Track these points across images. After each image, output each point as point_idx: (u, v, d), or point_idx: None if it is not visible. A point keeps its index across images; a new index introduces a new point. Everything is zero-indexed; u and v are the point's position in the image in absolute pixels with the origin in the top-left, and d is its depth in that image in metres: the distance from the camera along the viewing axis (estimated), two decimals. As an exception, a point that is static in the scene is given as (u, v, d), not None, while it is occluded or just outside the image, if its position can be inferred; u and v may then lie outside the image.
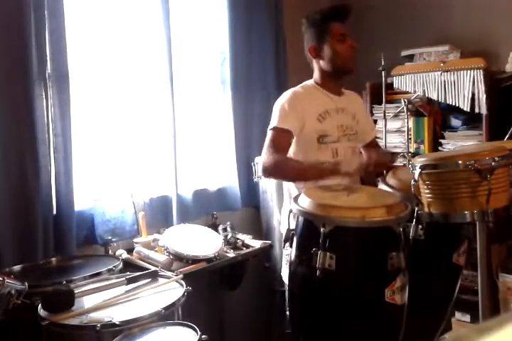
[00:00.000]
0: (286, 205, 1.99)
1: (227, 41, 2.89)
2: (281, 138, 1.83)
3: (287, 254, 1.82)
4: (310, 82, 2.02)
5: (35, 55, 2.10)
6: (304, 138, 1.87)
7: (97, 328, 1.45)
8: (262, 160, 1.82)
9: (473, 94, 2.70)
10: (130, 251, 2.32)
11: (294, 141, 1.88)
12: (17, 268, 1.96)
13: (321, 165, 1.79)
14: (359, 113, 2.04)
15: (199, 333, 1.45)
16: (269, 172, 1.78)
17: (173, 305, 1.60)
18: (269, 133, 1.86)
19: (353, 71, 1.97)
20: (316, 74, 2.01)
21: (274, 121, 1.87)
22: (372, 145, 2.14)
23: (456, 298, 1.78)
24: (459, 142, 2.82)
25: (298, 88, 1.99)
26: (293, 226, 1.45)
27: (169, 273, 2.01)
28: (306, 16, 2.01)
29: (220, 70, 2.92)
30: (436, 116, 3.00)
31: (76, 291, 1.67)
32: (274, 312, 2.68)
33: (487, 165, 1.37)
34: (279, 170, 1.78)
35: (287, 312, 1.59)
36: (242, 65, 2.94)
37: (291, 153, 1.91)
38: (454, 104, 2.77)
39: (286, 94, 1.94)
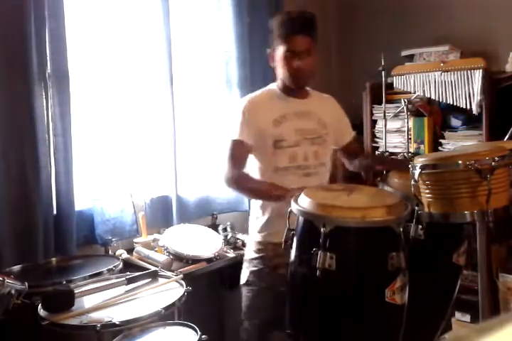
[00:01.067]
0: (254, 213, 1.93)
1: (233, 39, 2.89)
2: (237, 151, 1.82)
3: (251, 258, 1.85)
4: (274, 84, 1.95)
5: (35, 55, 2.10)
6: (260, 143, 1.83)
7: (97, 328, 1.45)
8: (223, 170, 1.82)
9: (473, 94, 2.70)
10: (130, 251, 2.32)
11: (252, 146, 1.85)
12: (17, 268, 1.97)
13: (271, 188, 1.74)
14: (328, 115, 1.95)
15: (199, 333, 1.45)
16: (228, 185, 1.82)
17: (173, 305, 1.60)
18: (228, 144, 1.84)
19: (303, 87, 1.92)
20: (277, 77, 1.92)
21: (231, 132, 1.85)
22: (352, 147, 2.08)
23: (456, 298, 1.78)
24: (459, 142, 2.82)
25: (256, 93, 1.95)
26: (292, 226, 1.45)
27: (169, 273, 2.01)
28: (275, 14, 1.96)
29: (226, 69, 2.91)
30: (436, 116, 3.00)
31: (76, 291, 1.68)
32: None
33: (487, 165, 1.37)
34: (237, 185, 1.83)
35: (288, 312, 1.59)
36: (247, 64, 2.94)
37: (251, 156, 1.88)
38: (454, 104, 2.77)
39: (242, 102, 1.89)
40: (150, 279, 1.87)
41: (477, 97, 2.69)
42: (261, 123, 1.82)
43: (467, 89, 2.72)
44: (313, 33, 1.82)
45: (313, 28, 1.82)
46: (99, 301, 1.67)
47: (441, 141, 2.93)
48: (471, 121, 2.85)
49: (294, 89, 1.89)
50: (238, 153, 1.83)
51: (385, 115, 2.99)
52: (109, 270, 1.94)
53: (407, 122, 2.94)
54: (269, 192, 1.73)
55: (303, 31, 1.78)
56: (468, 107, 2.72)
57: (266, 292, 1.79)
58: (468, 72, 2.71)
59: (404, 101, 2.94)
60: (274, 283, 1.73)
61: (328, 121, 1.92)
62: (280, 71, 1.85)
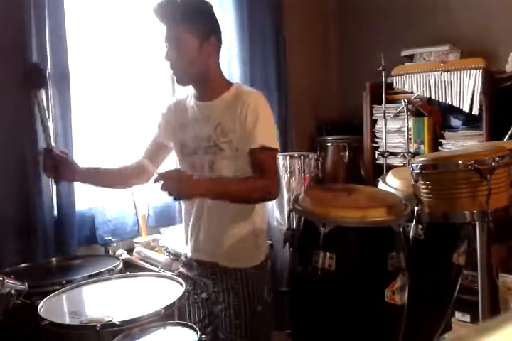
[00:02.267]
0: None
1: (235, 38, 2.90)
2: (147, 145, 1.77)
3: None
4: None
5: (35, 55, 2.10)
6: (174, 148, 1.74)
7: (97, 328, 1.45)
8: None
9: (473, 94, 2.70)
10: (130, 251, 2.32)
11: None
12: (17, 268, 1.96)
13: None
14: (232, 120, 1.57)
15: (199, 333, 1.44)
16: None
17: (173, 305, 1.60)
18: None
19: (180, 83, 1.65)
20: None
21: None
22: (254, 161, 1.58)
23: (456, 298, 1.78)
24: (459, 142, 2.82)
25: (178, 97, 1.79)
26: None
27: (169, 273, 2.01)
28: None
29: (228, 68, 2.91)
30: (436, 116, 3.00)
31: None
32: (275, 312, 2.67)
33: (487, 165, 1.37)
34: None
35: (287, 312, 1.59)
36: (249, 63, 2.95)
37: None
38: (454, 104, 2.77)
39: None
40: (150, 279, 1.87)
41: (477, 97, 2.69)
42: (171, 127, 1.71)
43: (467, 89, 2.72)
44: (185, 21, 1.53)
45: (183, 15, 1.52)
46: (99, 301, 1.67)
47: (441, 141, 2.93)
48: (471, 121, 2.85)
49: (196, 90, 1.66)
50: (147, 148, 1.77)
51: (385, 115, 2.99)
52: (109, 270, 1.94)
53: (407, 122, 2.94)
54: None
55: (165, 19, 1.54)
56: (468, 107, 2.71)
57: None
58: (468, 72, 2.71)
59: (404, 101, 2.94)
60: None
61: (231, 128, 1.57)
62: None
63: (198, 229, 1.67)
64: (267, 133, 1.57)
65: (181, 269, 1.75)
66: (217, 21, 1.62)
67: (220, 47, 1.63)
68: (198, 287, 1.68)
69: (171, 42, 1.55)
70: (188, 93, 1.72)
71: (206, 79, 1.61)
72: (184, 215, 1.74)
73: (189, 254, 1.73)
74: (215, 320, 1.66)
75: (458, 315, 2.52)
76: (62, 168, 1.57)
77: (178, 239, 2.32)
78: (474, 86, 2.69)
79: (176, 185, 1.39)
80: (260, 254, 1.66)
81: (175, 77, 1.62)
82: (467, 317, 2.50)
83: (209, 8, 1.60)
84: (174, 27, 1.53)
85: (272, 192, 1.56)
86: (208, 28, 1.57)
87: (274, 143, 1.59)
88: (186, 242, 1.73)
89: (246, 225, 1.62)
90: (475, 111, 2.69)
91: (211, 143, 1.60)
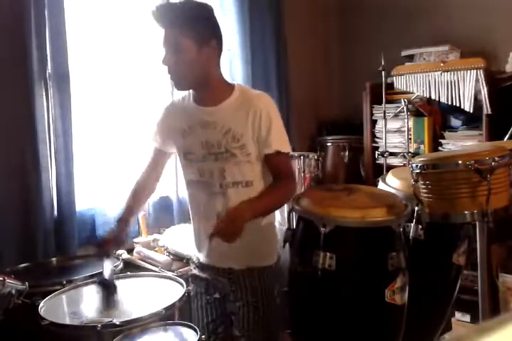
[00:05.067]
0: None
1: (236, 38, 2.90)
2: (152, 153, 1.77)
3: None
4: None
5: (35, 55, 2.10)
6: (177, 153, 1.73)
7: (97, 328, 1.45)
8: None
9: (473, 94, 2.70)
10: (130, 251, 2.32)
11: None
12: (18, 268, 1.97)
13: None
14: (243, 125, 1.55)
15: (199, 333, 1.45)
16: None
17: (173, 305, 1.60)
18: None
19: (179, 88, 1.61)
20: None
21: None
22: (269, 166, 1.60)
23: (456, 298, 1.78)
24: (459, 142, 2.82)
25: (173, 99, 1.76)
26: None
27: (169, 273, 2.01)
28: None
29: (230, 67, 2.92)
30: (436, 116, 3.01)
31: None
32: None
33: (487, 165, 1.37)
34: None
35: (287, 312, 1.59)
36: (250, 63, 2.95)
37: None
38: (454, 104, 2.77)
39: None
40: (150, 279, 1.87)
41: (477, 97, 2.69)
42: (171, 133, 1.67)
43: (467, 89, 2.72)
44: (184, 25, 1.50)
45: (182, 19, 1.50)
46: (99, 301, 1.67)
47: (441, 141, 2.93)
48: (471, 121, 2.85)
49: (197, 94, 1.62)
50: (152, 155, 1.78)
51: (385, 115, 2.99)
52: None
53: (407, 122, 2.94)
54: None
55: (163, 22, 1.51)
56: (468, 107, 2.72)
57: None
58: (468, 72, 2.71)
59: (404, 101, 2.94)
60: None
61: (242, 132, 1.55)
62: None
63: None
64: (280, 137, 1.59)
65: (194, 271, 1.74)
66: (217, 25, 1.59)
67: (221, 51, 1.60)
68: (211, 288, 1.67)
69: (169, 46, 1.51)
70: (183, 96, 1.68)
71: (207, 84, 1.57)
72: (193, 220, 1.70)
73: (202, 259, 1.69)
74: (229, 318, 1.66)
75: (458, 315, 2.52)
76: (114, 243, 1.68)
77: (178, 239, 2.32)
78: (474, 86, 2.70)
79: (231, 233, 1.39)
80: (273, 255, 1.66)
81: (173, 82, 1.58)
82: (467, 317, 2.50)
83: (209, 12, 1.57)
84: (172, 31, 1.50)
85: (295, 192, 1.63)
86: (208, 32, 1.54)
87: (288, 147, 1.62)
88: (198, 248, 1.70)
89: (258, 227, 1.60)
90: (475, 111, 2.69)
91: (222, 149, 1.57)
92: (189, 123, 1.62)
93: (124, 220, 1.70)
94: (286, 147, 1.60)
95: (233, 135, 1.56)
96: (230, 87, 1.62)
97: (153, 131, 1.73)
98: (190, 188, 1.67)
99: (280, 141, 1.59)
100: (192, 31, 1.50)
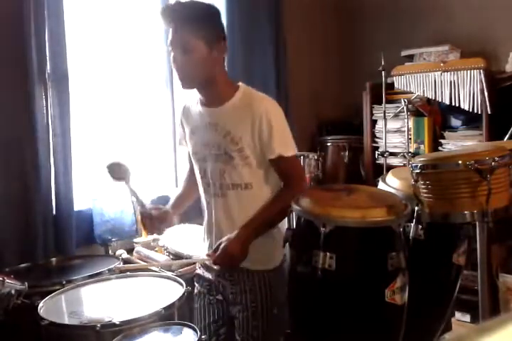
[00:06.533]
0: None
1: (236, 38, 2.89)
2: (187, 155, 1.79)
3: None
4: None
5: (35, 56, 2.10)
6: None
7: (97, 328, 1.45)
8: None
9: (473, 94, 2.70)
10: (130, 251, 2.32)
11: None
12: (17, 268, 1.96)
13: None
14: (243, 128, 1.55)
15: (199, 333, 1.45)
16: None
17: (173, 305, 1.60)
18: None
19: (185, 87, 1.58)
20: None
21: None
22: (278, 171, 1.61)
23: (456, 298, 1.78)
24: (459, 142, 2.82)
25: (186, 102, 1.75)
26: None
27: (169, 273, 2.01)
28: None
29: (228, 68, 2.90)
30: (436, 116, 3.01)
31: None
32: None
33: (487, 165, 1.37)
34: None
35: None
36: (249, 63, 2.94)
37: None
38: (454, 104, 2.77)
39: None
40: (149, 278, 1.87)
41: (477, 97, 2.69)
42: (186, 132, 1.72)
43: (467, 89, 2.72)
44: (195, 26, 1.49)
45: (193, 19, 1.49)
46: (99, 301, 1.67)
47: (441, 141, 2.93)
48: (471, 121, 2.85)
49: (201, 95, 1.62)
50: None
51: (385, 115, 2.99)
52: (109, 270, 1.94)
53: (407, 122, 2.94)
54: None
55: (173, 22, 1.50)
56: (469, 107, 2.72)
57: None
58: (468, 72, 2.71)
59: (404, 101, 2.94)
60: None
61: (242, 136, 1.55)
62: None
63: (220, 234, 1.63)
64: (283, 141, 1.57)
65: (198, 271, 1.75)
66: (223, 25, 1.60)
67: (226, 51, 1.61)
68: (214, 288, 1.67)
69: (179, 46, 1.50)
70: (194, 97, 1.68)
71: (212, 84, 1.58)
72: (204, 222, 1.73)
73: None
74: (231, 321, 1.65)
75: (458, 315, 2.52)
76: (161, 221, 1.71)
77: (178, 239, 2.32)
78: (474, 86, 2.70)
79: (230, 261, 1.50)
80: (278, 256, 1.65)
81: (180, 82, 1.56)
82: (467, 317, 2.50)
83: (217, 13, 1.58)
84: (183, 31, 1.49)
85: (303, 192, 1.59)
86: (217, 33, 1.55)
87: (292, 150, 1.60)
88: (207, 246, 1.71)
89: None
90: (475, 111, 2.69)
91: (221, 151, 1.58)
92: (195, 123, 1.66)
93: (176, 207, 1.79)
94: (289, 151, 1.59)
95: (232, 138, 1.56)
96: (234, 88, 1.62)
97: (179, 135, 1.79)
98: (200, 187, 1.71)
99: (283, 145, 1.57)
100: (202, 31, 1.50)
